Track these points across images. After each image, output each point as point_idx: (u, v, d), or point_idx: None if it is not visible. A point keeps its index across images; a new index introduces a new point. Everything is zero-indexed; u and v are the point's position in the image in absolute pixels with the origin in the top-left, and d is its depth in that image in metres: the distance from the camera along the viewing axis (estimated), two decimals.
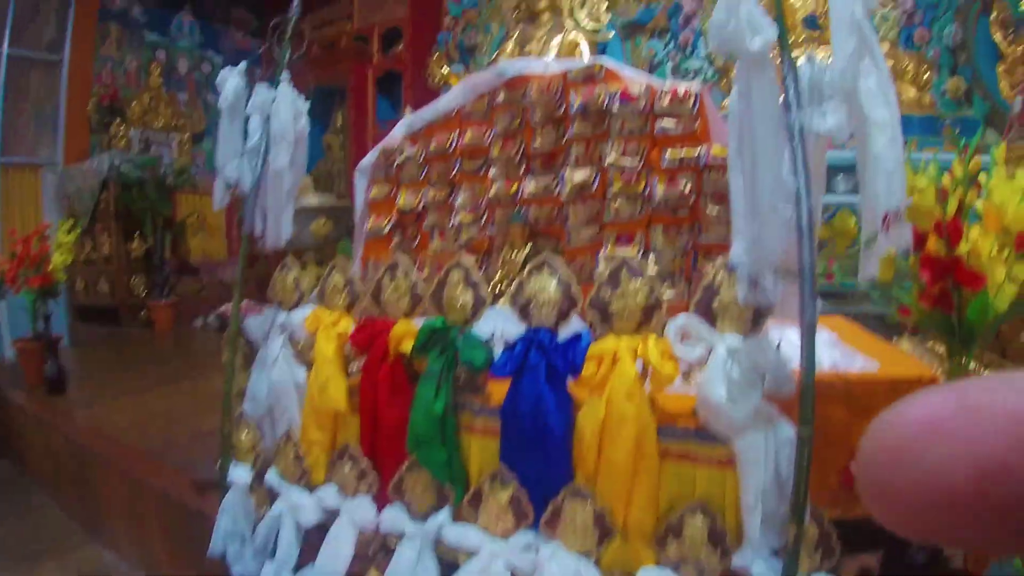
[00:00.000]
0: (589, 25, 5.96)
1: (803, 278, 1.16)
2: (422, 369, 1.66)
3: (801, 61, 1.34)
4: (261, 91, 2.05)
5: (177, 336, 5.97)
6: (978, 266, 1.35)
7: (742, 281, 1.26)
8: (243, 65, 2.12)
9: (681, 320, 1.37)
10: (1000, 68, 5.67)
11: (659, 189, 1.87)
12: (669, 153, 1.89)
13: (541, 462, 1.47)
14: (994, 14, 5.82)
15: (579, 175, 1.97)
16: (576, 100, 2.02)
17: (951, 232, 1.37)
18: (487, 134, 2.22)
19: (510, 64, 2.23)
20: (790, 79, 1.32)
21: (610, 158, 1.93)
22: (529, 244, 2.13)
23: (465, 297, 1.60)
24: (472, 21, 6.87)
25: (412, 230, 2.42)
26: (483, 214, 2.20)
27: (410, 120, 2.44)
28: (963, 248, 1.37)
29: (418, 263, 2.43)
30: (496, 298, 1.91)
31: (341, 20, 7.55)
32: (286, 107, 1.98)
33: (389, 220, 2.41)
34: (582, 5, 6.01)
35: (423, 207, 2.34)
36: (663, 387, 1.37)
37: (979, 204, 1.43)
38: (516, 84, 2.15)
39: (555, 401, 1.45)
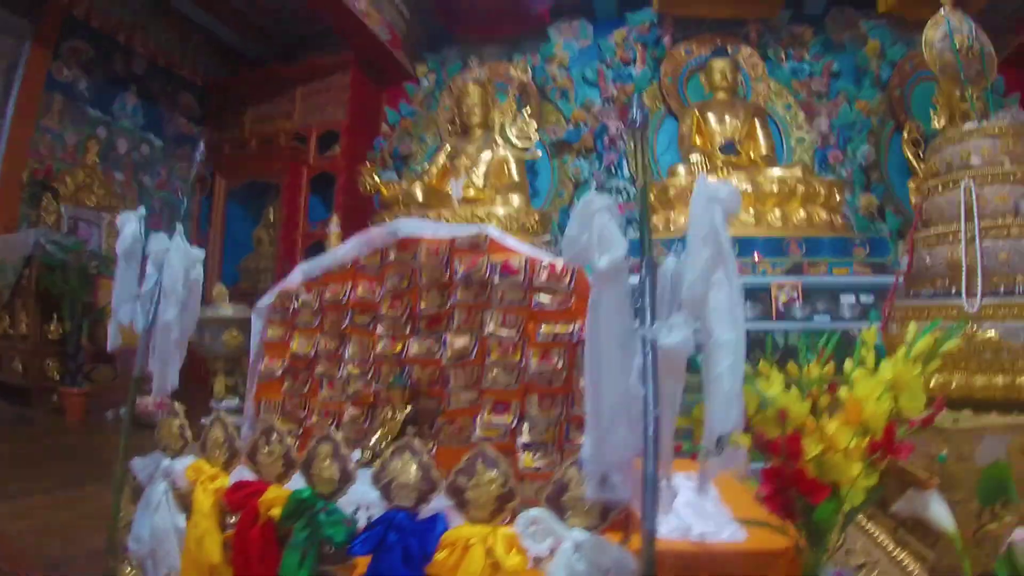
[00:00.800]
0: (518, 143, 6.26)
1: (646, 488, 1.19)
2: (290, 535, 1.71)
3: (668, 261, 1.41)
4: (157, 240, 2.13)
5: (88, 427, 5.77)
6: (831, 463, 1.39)
7: (590, 478, 1.31)
8: (142, 210, 2.20)
9: (532, 513, 1.48)
10: (911, 184, 6.16)
11: (533, 361, 2.01)
12: (544, 327, 2.03)
13: None
14: (906, 133, 6.40)
15: (459, 341, 2.09)
16: (460, 267, 2.16)
17: (789, 450, 1.41)
18: (378, 291, 2.32)
19: (403, 223, 2.35)
20: (647, 286, 1.37)
21: (489, 327, 2.06)
22: (409, 405, 2.21)
23: (332, 471, 1.68)
24: (408, 130, 7.15)
25: (304, 376, 2.47)
26: (370, 369, 2.28)
27: (308, 266, 2.52)
28: (813, 449, 1.41)
29: (307, 410, 2.49)
30: (374, 457, 1.99)
31: (281, 117, 7.73)
32: (179, 260, 2.05)
33: (282, 363, 2.47)
34: (512, 123, 6.33)
35: (315, 354, 2.42)
36: None
37: (843, 391, 1.47)
38: (407, 244, 2.27)
39: None
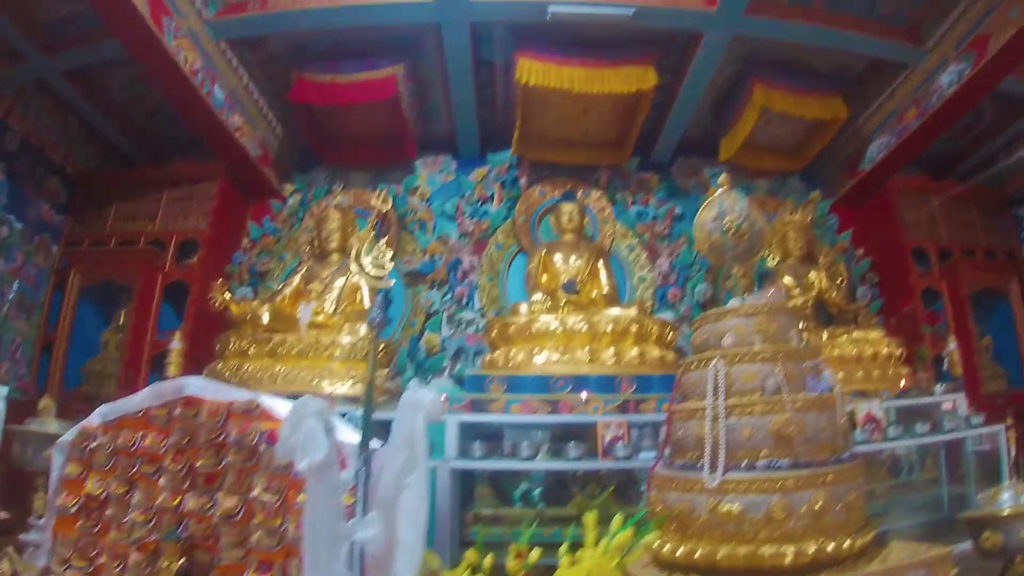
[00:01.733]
0: (372, 271, 6.40)
1: None
2: None
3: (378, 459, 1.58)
4: None
5: None
6: None
7: None
8: None
9: None
10: None
11: (291, 527, 2.14)
12: (302, 496, 2.16)
13: None
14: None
15: (229, 501, 2.21)
16: (233, 431, 2.30)
17: None
18: (164, 442, 2.44)
19: (191, 382, 2.48)
20: (361, 479, 1.52)
21: (255, 491, 2.19)
22: (184, 558, 2.28)
23: None
24: (269, 247, 7.20)
25: (96, 515, 2.53)
26: (153, 517, 2.39)
27: (106, 408, 2.60)
28: None
29: (98, 550, 2.51)
30: None
31: (144, 219, 7.62)
32: None
33: (77, 501, 2.54)
34: (368, 252, 6.48)
35: (106, 496, 2.50)
36: None
37: None
38: (192, 402, 2.40)
39: None
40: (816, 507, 2.32)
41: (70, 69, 6.82)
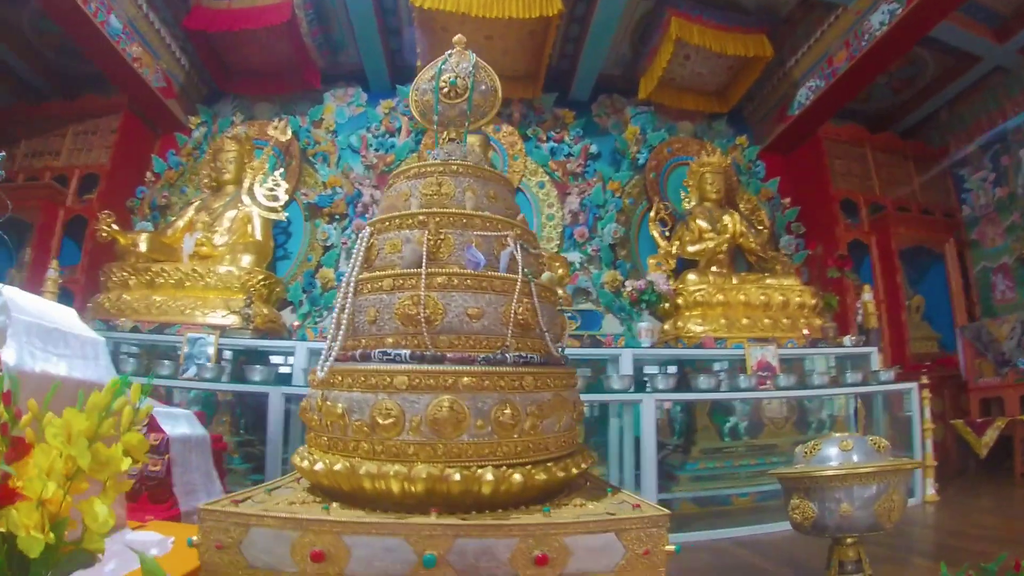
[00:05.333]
0: (265, 202, 6.20)
1: None
2: None
3: None
4: None
5: None
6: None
7: None
8: None
9: None
10: (651, 260, 6.48)
11: None
12: None
13: None
14: (652, 212, 6.74)
15: None
16: None
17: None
18: None
19: None
20: None
21: None
22: None
23: None
24: (172, 181, 6.97)
25: None
26: None
27: None
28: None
29: None
30: None
31: (50, 155, 7.41)
32: None
33: None
34: (262, 183, 6.27)
35: None
36: None
37: None
38: None
39: None
40: (438, 415, 1.66)
41: None
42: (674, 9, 6.37)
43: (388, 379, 1.72)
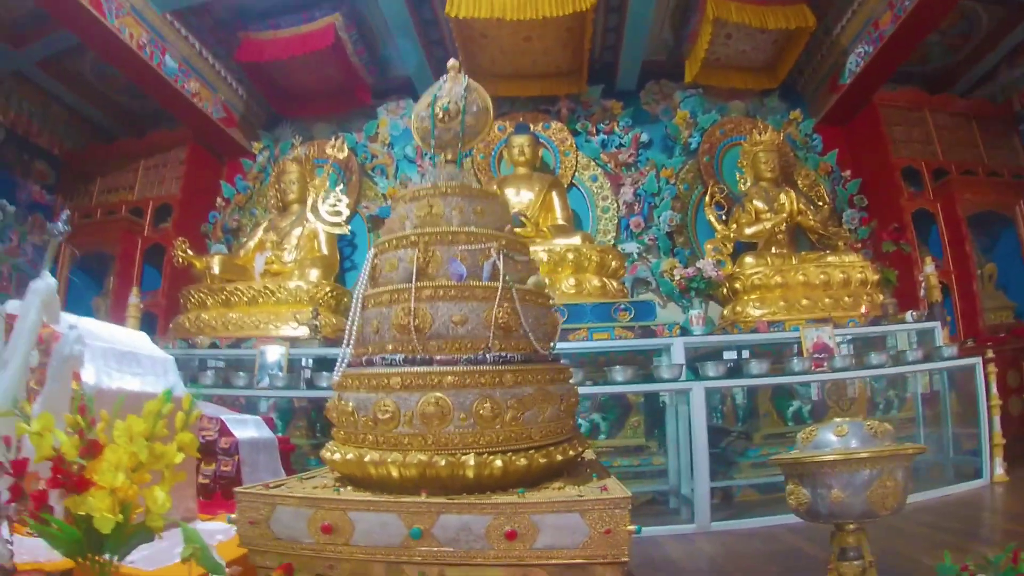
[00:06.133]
0: (328, 218, 6.45)
1: None
2: None
3: None
4: None
5: None
6: None
7: None
8: None
9: None
10: (708, 245, 6.43)
11: None
12: None
13: None
14: (708, 197, 6.69)
15: None
16: None
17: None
18: None
19: None
20: None
21: None
22: None
23: None
24: (241, 204, 7.32)
25: None
26: None
27: None
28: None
29: None
30: None
31: (124, 189, 7.87)
32: None
33: None
34: (324, 200, 6.53)
35: None
36: None
37: None
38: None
39: None
40: (426, 410, 1.90)
41: (42, 59, 7.11)
42: None
43: (386, 380, 1.97)
